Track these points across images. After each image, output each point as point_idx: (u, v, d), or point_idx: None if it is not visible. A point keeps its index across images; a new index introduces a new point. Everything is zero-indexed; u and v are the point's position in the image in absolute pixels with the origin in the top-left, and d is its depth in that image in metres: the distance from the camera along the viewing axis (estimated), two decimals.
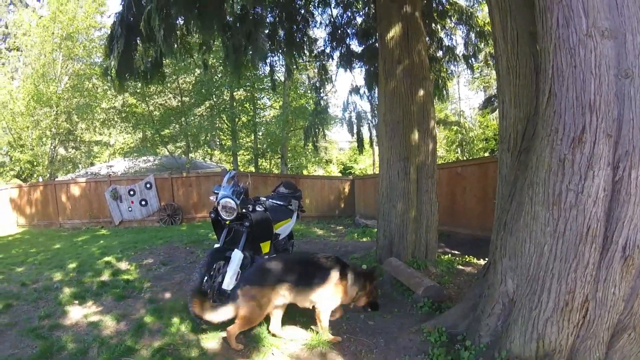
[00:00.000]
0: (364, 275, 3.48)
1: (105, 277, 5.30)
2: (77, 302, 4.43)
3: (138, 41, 5.04)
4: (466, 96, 27.95)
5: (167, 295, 4.57)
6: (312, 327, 3.53)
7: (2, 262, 6.76)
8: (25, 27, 16.80)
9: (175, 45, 5.36)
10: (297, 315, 3.81)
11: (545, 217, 2.25)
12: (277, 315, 3.39)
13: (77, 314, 4.12)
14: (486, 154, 15.52)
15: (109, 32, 5.09)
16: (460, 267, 5.27)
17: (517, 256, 2.51)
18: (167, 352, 3.18)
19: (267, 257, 4.13)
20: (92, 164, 20.69)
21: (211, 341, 3.37)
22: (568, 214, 2.11)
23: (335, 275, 3.30)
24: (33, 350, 3.32)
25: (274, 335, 3.41)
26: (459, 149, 18.43)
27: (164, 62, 6.41)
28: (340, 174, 21.93)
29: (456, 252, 6.17)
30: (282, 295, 3.21)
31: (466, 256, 5.76)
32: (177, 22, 5.18)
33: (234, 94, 15.58)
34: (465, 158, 16.55)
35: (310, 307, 3.36)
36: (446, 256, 5.78)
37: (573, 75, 2.07)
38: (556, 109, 2.17)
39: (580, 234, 2.08)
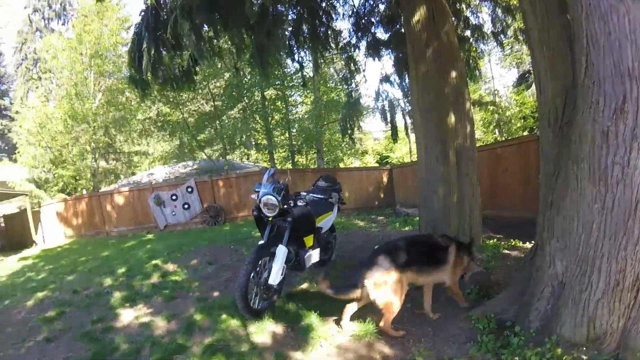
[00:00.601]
0: (467, 247, 3.69)
1: (154, 279, 5.44)
2: (128, 304, 4.58)
3: (161, 49, 5.19)
4: (499, 74, 26.74)
5: (215, 293, 4.67)
6: (362, 318, 3.56)
7: (54, 272, 7.06)
8: (53, 51, 17.59)
9: (205, 50, 5.47)
10: (342, 306, 3.88)
11: (592, 193, 2.14)
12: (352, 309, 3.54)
13: (128, 316, 4.28)
14: (525, 133, 14.75)
15: (130, 43, 5.24)
16: (506, 251, 5.09)
17: (565, 236, 2.41)
18: (218, 348, 3.29)
19: (310, 250, 4.18)
20: (133, 174, 21.43)
21: (260, 335, 3.47)
22: (615, 188, 2.00)
23: (453, 251, 3.53)
24: (87, 353, 3.52)
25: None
26: (496, 129, 17.64)
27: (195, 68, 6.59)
28: (377, 164, 21.71)
29: (501, 235, 5.94)
30: (409, 278, 3.38)
31: (511, 240, 5.55)
32: (202, 26, 5.28)
33: (265, 93, 15.80)
34: (504, 139, 15.83)
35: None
36: (491, 241, 5.58)
37: (608, 43, 1.95)
38: (594, 79, 2.05)
39: (629, 209, 1.97)
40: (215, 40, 6.06)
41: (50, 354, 3.66)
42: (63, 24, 33.87)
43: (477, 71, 8.24)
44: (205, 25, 5.42)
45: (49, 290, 5.60)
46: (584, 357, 2.13)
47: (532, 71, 3.23)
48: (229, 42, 6.55)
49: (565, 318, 2.26)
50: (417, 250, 3.49)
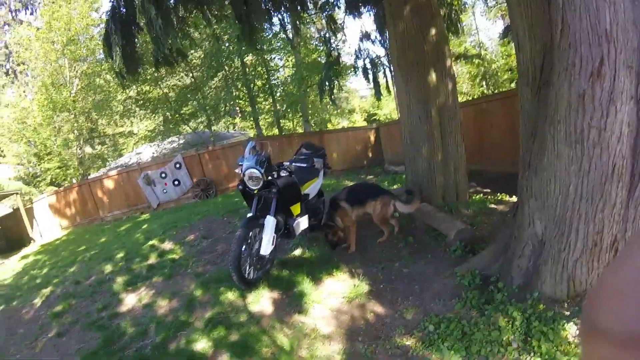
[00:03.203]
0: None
1: (152, 260, 5.51)
2: (130, 289, 4.67)
3: (135, 33, 4.92)
4: (484, 27, 26.02)
5: (212, 267, 4.77)
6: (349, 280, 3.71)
7: (55, 266, 7.09)
8: (25, 43, 16.73)
9: (176, 32, 5.22)
10: (334, 270, 4.01)
11: (569, 155, 2.18)
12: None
13: (131, 299, 4.39)
14: (512, 85, 14.68)
15: (104, 30, 5.01)
16: (493, 206, 5.19)
17: (543, 197, 2.47)
18: (219, 321, 3.43)
19: (298, 218, 4.26)
20: (120, 156, 21.12)
21: (257, 304, 3.61)
22: (592, 152, 2.04)
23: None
24: (97, 341, 3.64)
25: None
26: (483, 82, 17.48)
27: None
28: (365, 123, 21.55)
29: (488, 190, 6.05)
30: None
31: (498, 194, 5.64)
32: (170, 4, 5.01)
33: (245, 60, 15.28)
34: (490, 91, 15.74)
35: None
36: (478, 196, 5.69)
37: (585, 3, 1.90)
38: (570, 40, 2.02)
39: (606, 172, 2.01)
40: (187, 21, 5.76)
41: (63, 347, 3.78)
42: (32, 14, 31.64)
43: (459, 25, 8.00)
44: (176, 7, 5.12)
45: (53, 285, 5.67)
46: (566, 313, 2.25)
47: (511, 28, 3.14)
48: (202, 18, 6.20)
49: (545, 275, 2.37)
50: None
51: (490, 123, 7.25)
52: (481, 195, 5.77)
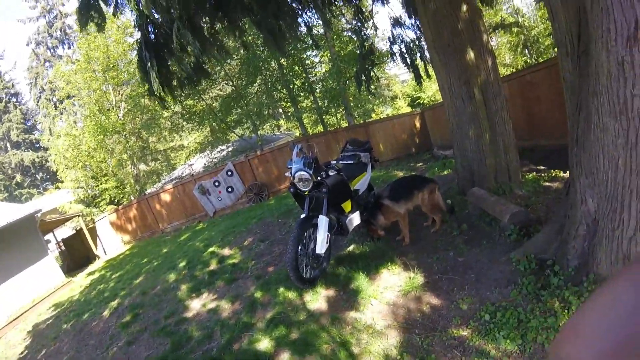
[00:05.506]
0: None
1: (213, 266, 5.75)
2: (194, 295, 4.94)
3: (166, 58, 5.22)
4: None
5: (271, 269, 4.94)
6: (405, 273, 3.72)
7: (121, 279, 7.57)
8: (66, 78, 17.89)
9: (211, 49, 5.47)
10: (389, 263, 4.04)
11: (615, 127, 2.03)
12: None
13: (196, 305, 4.65)
14: (556, 50, 13.48)
15: (137, 57, 5.36)
16: (547, 184, 4.90)
17: (593, 173, 2.33)
18: (280, 320, 3.60)
19: (350, 214, 4.32)
20: (173, 169, 22.19)
21: (315, 302, 3.74)
22: (637, 122, 1.89)
23: None
24: (165, 347, 3.92)
25: None
26: (525, 50, 16.22)
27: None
28: (409, 108, 20.99)
29: (542, 167, 5.70)
30: None
31: (552, 170, 5.31)
32: (203, 26, 5.25)
33: (281, 62, 15.58)
34: (534, 60, 14.54)
35: None
36: (531, 174, 5.39)
37: None
38: (602, 5, 1.88)
39: None
40: (218, 35, 5.99)
41: (133, 355, 4.10)
42: (69, 48, 34.58)
43: None
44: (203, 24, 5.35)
45: (120, 297, 6.08)
46: None
47: None
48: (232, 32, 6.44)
49: (600, 256, 2.24)
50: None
51: (537, 95, 6.75)
52: (534, 173, 5.46)
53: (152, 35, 4.98)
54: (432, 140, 13.04)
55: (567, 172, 4.85)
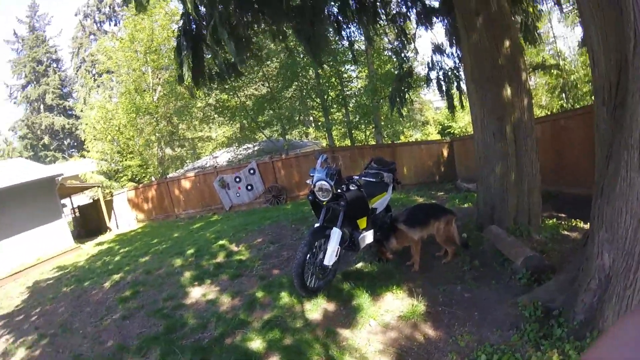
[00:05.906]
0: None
1: (220, 259, 5.76)
2: (196, 283, 4.95)
3: (204, 50, 5.36)
4: (562, 34, 23.58)
5: (276, 271, 4.93)
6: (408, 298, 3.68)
7: (128, 255, 7.65)
8: (108, 53, 18.44)
9: (245, 52, 5.59)
10: (394, 287, 3.98)
11: None
12: None
13: (196, 294, 4.67)
14: (593, 98, 13.10)
15: (176, 43, 5.46)
16: (566, 232, 4.77)
17: (613, 227, 2.26)
18: (276, 324, 3.60)
19: (364, 232, 4.29)
20: (198, 158, 22.41)
21: (314, 313, 3.72)
22: None
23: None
24: (159, 328, 3.95)
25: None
26: (562, 94, 15.83)
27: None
28: (438, 136, 20.79)
29: (563, 215, 5.53)
30: None
31: (573, 220, 5.15)
32: (243, 26, 5.37)
33: (319, 71, 15.79)
34: (570, 105, 14.16)
35: None
36: (552, 220, 5.24)
37: None
38: None
39: None
40: (254, 39, 6.11)
41: (126, 330, 4.17)
42: (115, 25, 35.84)
43: (536, 33, 7.44)
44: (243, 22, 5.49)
45: (124, 272, 6.15)
46: None
47: (585, 40, 2.89)
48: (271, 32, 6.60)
49: (608, 313, 2.16)
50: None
51: (569, 140, 6.58)
52: (555, 220, 5.31)
53: (194, 26, 5.13)
54: (457, 171, 12.84)
55: (588, 223, 4.72)
